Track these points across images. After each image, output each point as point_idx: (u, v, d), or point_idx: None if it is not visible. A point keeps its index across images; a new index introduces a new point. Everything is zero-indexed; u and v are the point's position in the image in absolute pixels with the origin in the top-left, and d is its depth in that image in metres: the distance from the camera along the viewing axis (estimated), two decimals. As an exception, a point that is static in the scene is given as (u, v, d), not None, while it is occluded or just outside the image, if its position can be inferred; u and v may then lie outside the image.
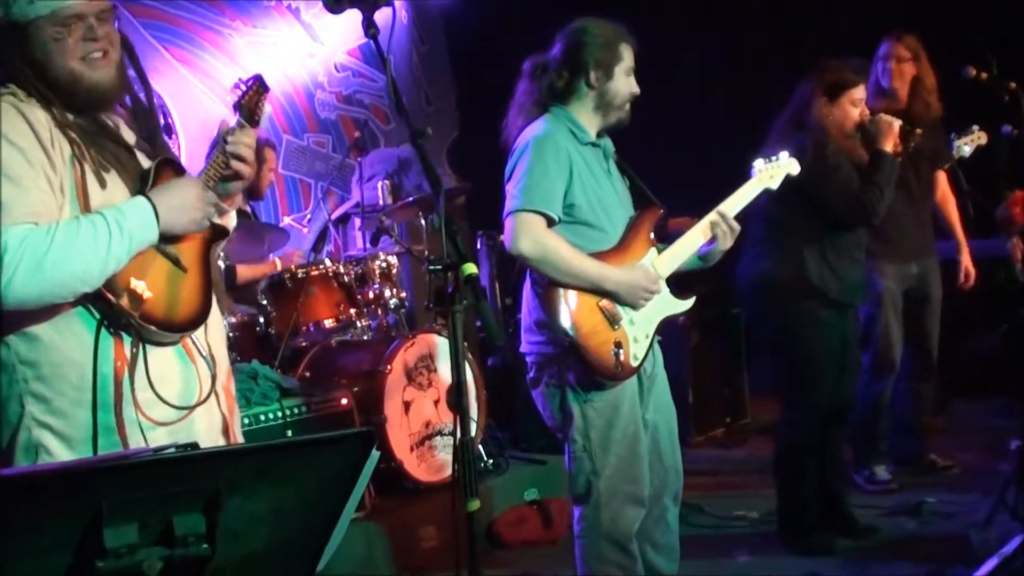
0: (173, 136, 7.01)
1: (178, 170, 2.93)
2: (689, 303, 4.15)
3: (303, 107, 8.45)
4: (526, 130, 4.06)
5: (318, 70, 8.61)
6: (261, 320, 5.94)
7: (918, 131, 5.34)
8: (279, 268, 6.23)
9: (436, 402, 5.77)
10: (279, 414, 5.12)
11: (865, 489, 6.16)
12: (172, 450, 1.88)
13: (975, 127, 6.11)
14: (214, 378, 2.89)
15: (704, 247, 4.16)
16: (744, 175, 4.42)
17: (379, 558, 5.20)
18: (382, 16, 3.01)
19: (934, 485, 6.18)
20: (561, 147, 3.95)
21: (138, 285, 2.68)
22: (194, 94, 7.29)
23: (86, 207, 2.69)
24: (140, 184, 2.82)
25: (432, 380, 5.78)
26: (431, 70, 9.71)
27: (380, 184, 7.52)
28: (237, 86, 2.98)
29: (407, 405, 5.66)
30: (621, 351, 3.87)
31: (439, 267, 2.71)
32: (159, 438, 2.72)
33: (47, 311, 2.64)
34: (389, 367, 5.60)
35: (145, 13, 7.29)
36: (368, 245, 6.81)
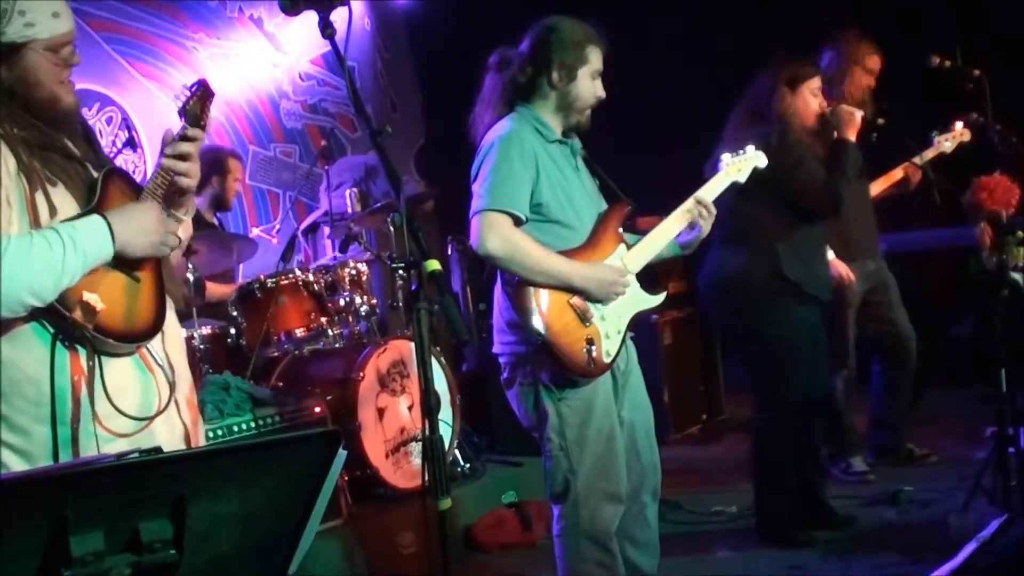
0: (138, 150, 6.97)
1: (126, 180, 2.94)
2: (660, 298, 4.13)
3: (268, 117, 8.41)
4: (491, 129, 4.04)
5: (282, 80, 8.57)
6: (232, 331, 5.90)
7: (880, 121, 5.35)
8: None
9: (410, 408, 5.74)
10: (252, 425, 5.08)
11: (842, 480, 6.16)
12: (135, 455, 1.85)
13: (959, 124, 6.14)
14: (172, 387, 2.86)
15: (684, 236, 4.15)
16: (714, 168, 4.42)
17: (357, 566, 5.17)
18: (339, 17, 2.97)
19: (911, 474, 6.19)
20: (527, 146, 3.93)
21: (91, 298, 2.67)
22: (159, 107, 7.24)
23: (35, 219, 2.68)
24: (88, 195, 2.81)
25: (405, 386, 5.75)
26: (396, 77, 9.68)
27: (348, 192, 7.49)
28: (182, 91, 2.95)
29: (381, 412, 5.63)
30: (593, 348, 3.85)
31: (402, 265, 2.69)
32: (119, 449, 2.68)
33: (0, 327, 2.62)
34: (362, 374, 5.57)
35: (107, 27, 7.23)
36: (337, 253, 6.78)
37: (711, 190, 4.26)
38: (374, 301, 6.28)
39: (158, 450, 1.90)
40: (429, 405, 2.57)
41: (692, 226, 4.14)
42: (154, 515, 1.88)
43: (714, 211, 4.15)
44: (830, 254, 5.78)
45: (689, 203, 4.14)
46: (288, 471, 2.02)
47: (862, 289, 6.18)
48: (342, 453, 2.07)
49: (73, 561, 1.78)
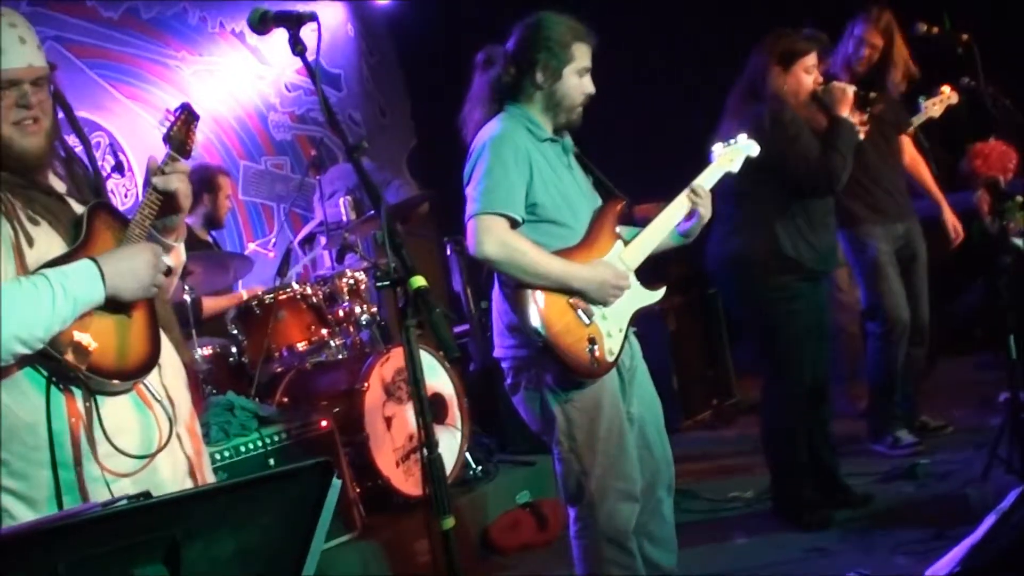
0: (127, 173, 6.94)
1: (112, 214, 2.88)
2: (660, 293, 4.07)
3: (257, 131, 8.37)
4: (483, 130, 3.98)
5: (269, 92, 8.54)
6: (233, 350, 5.87)
7: (873, 95, 5.30)
8: (245, 298, 6.16)
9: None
10: (259, 443, 5.05)
11: (890, 455, 6.09)
12: (123, 502, 1.81)
13: (945, 88, 6.09)
14: (172, 421, 2.82)
15: (684, 224, 4.11)
16: (707, 158, 4.38)
17: (375, 577, 5.14)
18: (310, 32, 2.93)
19: (927, 446, 6.13)
20: (520, 146, 3.88)
21: (82, 338, 2.62)
22: (145, 129, 7.21)
23: (21, 261, 2.63)
24: (74, 231, 2.76)
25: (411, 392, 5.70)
26: (383, 80, 9.64)
27: (342, 200, 7.44)
28: (166, 117, 2.91)
29: (389, 421, 5.60)
30: (596, 347, 3.80)
31: (387, 283, 2.65)
32: (123, 489, 2.64)
33: None
34: (366, 384, 5.53)
35: (89, 53, 7.20)
36: (334, 263, 6.75)
37: (704, 181, 4.21)
38: (374, 309, 6.26)
39: (147, 495, 1.86)
40: (427, 424, 2.52)
41: (691, 213, 4.09)
42: (148, 560, 1.84)
43: (710, 195, 4.11)
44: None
45: (684, 194, 4.10)
46: (282, 506, 1.98)
47: (892, 249, 6.13)
48: (336, 483, 2.02)
49: (68, 613, 1.75)
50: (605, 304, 3.88)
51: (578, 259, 3.89)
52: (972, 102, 5.94)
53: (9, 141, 2.70)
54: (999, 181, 5.29)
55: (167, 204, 2.87)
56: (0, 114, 2.68)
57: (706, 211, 4.10)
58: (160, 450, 2.77)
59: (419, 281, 2.58)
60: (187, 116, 2.93)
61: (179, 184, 2.85)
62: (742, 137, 4.39)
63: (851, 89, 5.11)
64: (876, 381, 6.20)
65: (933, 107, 6.13)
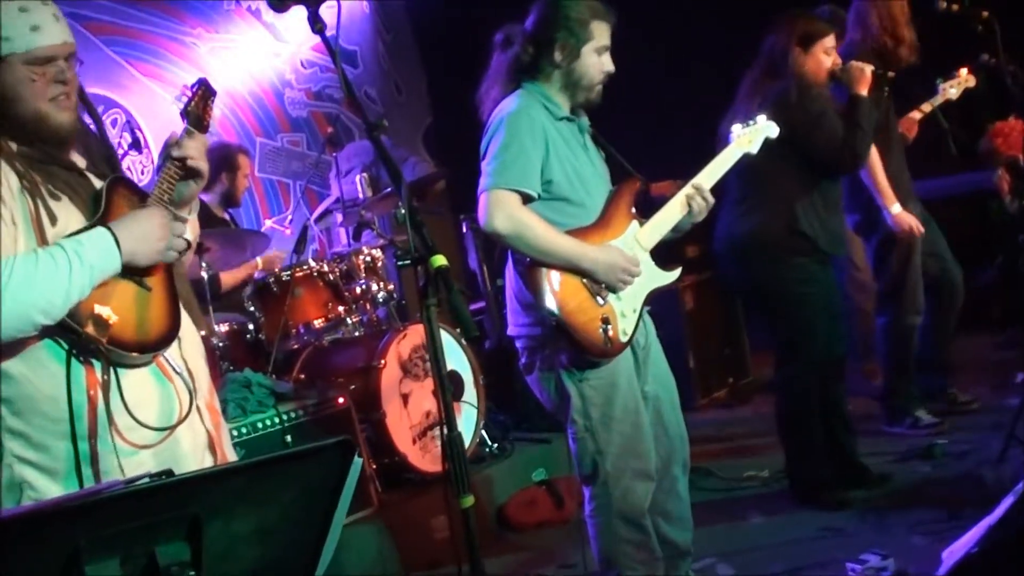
0: (144, 151, 6.95)
1: (130, 188, 2.88)
2: (675, 274, 4.07)
3: (273, 107, 8.37)
4: (500, 106, 3.98)
5: (284, 69, 8.53)
6: (250, 327, 5.88)
7: (890, 74, 5.27)
8: (260, 267, 6.16)
9: (434, 391, 5.69)
10: (276, 420, 5.07)
11: (911, 436, 6.06)
12: (145, 480, 1.81)
13: (963, 70, 6.05)
14: (191, 394, 2.82)
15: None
16: (724, 139, 4.36)
17: (391, 554, 5.15)
18: (331, 11, 2.93)
19: (947, 425, 6.10)
20: (536, 122, 3.87)
21: (102, 311, 2.63)
22: (162, 106, 7.21)
23: (41, 236, 2.64)
24: (93, 206, 2.77)
25: (428, 370, 5.71)
26: (399, 58, 9.62)
27: (358, 177, 7.43)
28: (183, 92, 2.91)
29: (405, 397, 5.61)
30: (609, 327, 3.80)
31: (407, 261, 2.65)
32: (143, 461, 2.67)
33: (14, 346, 2.60)
34: (383, 361, 5.54)
35: (106, 30, 7.21)
36: (351, 241, 6.75)
37: (721, 164, 4.20)
38: (391, 286, 6.25)
39: (169, 473, 1.86)
40: (447, 404, 2.52)
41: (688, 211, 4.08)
42: (170, 538, 1.85)
43: (711, 200, 4.08)
44: (896, 207, 5.78)
45: (689, 188, 4.07)
46: (303, 484, 1.99)
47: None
48: (358, 461, 2.03)
49: (90, 591, 1.76)
50: (614, 289, 3.87)
51: (593, 239, 3.88)
52: (992, 80, 5.91)
53: (46, 116, 2.73)
54: (1019, 160, 5.26)
55: (185, 177, 2.88)
56: (38, 91, 2.71)
57: (699, 215, 4.07)
58: (180, 422, 2.78)
59: (440, 260, 2.58)
60: (204, 91, 2.94)
61: (195, 153, 2.86)
62: (761, 118, 4.37)
63: (869, 68, 5.09)
64: (892, 363, 6.17)
65: (950, 89, 6.09)
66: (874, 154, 5.62)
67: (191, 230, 3.01)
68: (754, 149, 4.31)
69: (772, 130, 4.36)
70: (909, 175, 6.18)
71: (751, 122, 4.36)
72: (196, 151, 2.88)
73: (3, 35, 2.65)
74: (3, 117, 2.70)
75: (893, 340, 6.11)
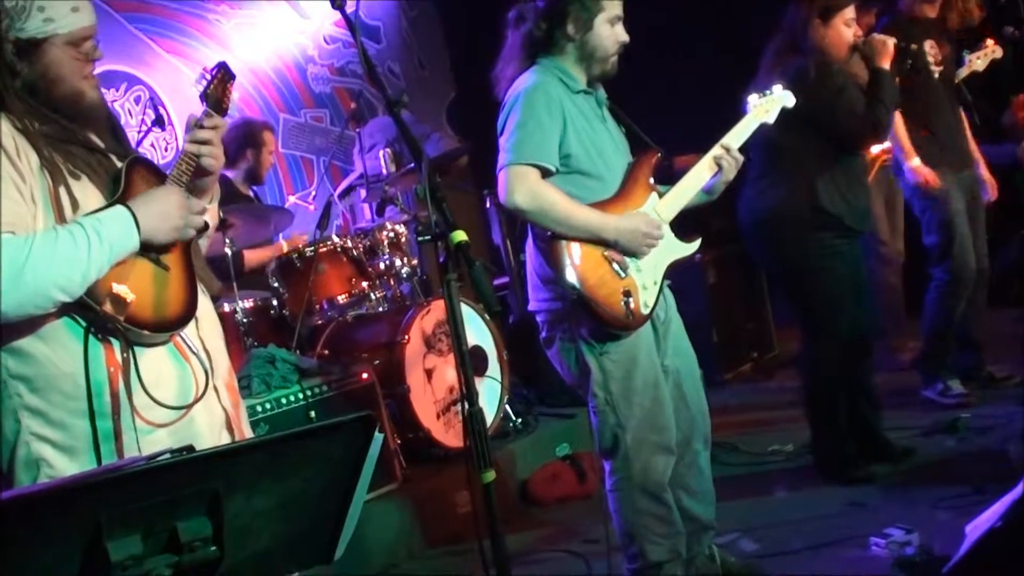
0: (167, 127, 6.97)
1: (150, 168, 2.89)
2: (695, 246, 4.06)
3: (296, 83, 8.37)
4: (516, 82, 3.98)
5: (308, 45, 8.52)
6: (274, 303, 5.90)
7: (914, 47, 5.24)
8: (286, 250, 6.17)
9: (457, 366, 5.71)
10: (300, 396, 5.09)
11: (939, 402, 6.06)
12: (166, 456, 1.83)
13: (989, 41, 6.00)
14: (207, 374, 2.84)
15: (708, 181, 4.08)
16: (742, 109, 4.34)
17: (414, 528, 5.18)
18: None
19: (975, 398, 6.07)
20: (553, 96, 3.87)
21: (120, 289, 2.64)
22: (186, 83, 7.18)
23: (60, 215, 2.65)
24: (112, 186, 2.78)
25: (451, 345, 5.72)
26: (422, 33, 9.60)
27: (381, 153, 7.43)
28: (203, 76, 2.92)
29: (429, 373, 5.63)
30: (631, 300, 3.80)
31: (427, 237, 2.65)
32: (160, 439, 2.69)
33: (33, 324, 2.61)
34: (407, 337, 5.56)
35: (129, 7, 7.21)
36: (374, 216, 6.75)
37: (739, 132, 4.19)
38: (415, 262, 6.26)
39: (190, 449, 1.87)
40: (468, 378, 2.53)
41: (717, 172, 4.07)
42: (191, 514, 1.86)
43: (740, 158, 4.09)
44: (916, 160, 5.82)
45: (717, 149, 4.07)
46: (324, 459, 1.99)
47: (964, 198, 6.06)
48: (378, 436, 2.04)
49: (112, 566, 1.77)
50: (638, 255, 3.87)
51: (613, 211, 3.88)
52: (1016, 53, 5.86)
53: (82, 94, 2.76)
54: (1043, 132, 5.22)
55: (198, 170, 2.89)
56: (78, 69, 2.75)
57: (729, 173, 4.07)
58: (197, 401, 2.79)
59: (460, 236, 2.59)
60: (223, 75, 2.94)
61: (211, 136, 2.87)
62: (777, 88, 4.35)
63: (891, 41, 5.05)
64: (933, 327, 6.13)
65: (977, 61, 6.04)
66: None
67: (210, 217, 3.02)
68: (771, 119, 4.30)
69: (788, 99, 4.34)
70: (966, 137, 6.13)
71: (767, 92, 4.34)
72: (212, 136, 2.88)
73: (48, 16, 2.68)
74: (39, 96, 2.71)
75: (937, 306, 6.05)
